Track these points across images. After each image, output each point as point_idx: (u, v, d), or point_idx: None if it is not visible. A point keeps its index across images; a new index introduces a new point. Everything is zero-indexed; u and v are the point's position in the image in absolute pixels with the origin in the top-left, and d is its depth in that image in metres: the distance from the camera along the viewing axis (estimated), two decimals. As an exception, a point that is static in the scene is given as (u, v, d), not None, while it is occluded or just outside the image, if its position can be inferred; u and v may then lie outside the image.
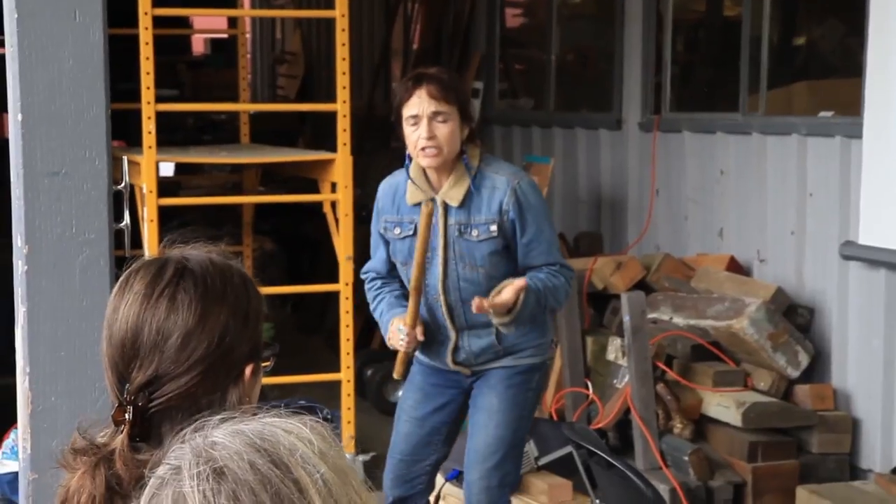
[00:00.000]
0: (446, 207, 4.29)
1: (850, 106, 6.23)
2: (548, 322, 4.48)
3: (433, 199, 4.27)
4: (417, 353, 4.50)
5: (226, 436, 1.27)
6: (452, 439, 4.58)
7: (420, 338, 4.32)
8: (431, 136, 4.23)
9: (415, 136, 4.24)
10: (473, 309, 4.18)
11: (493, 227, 4.24)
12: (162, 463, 1.29)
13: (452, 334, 4.37)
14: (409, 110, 4.25)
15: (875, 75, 5.84)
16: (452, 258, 4.29)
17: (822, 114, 6.57)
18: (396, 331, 4.33)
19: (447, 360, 4.41)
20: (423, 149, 4.23)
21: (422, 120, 4.23)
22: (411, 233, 4.34)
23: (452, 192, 4.28)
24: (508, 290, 4.16)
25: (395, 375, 4.59)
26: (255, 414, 1.33)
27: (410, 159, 4.31)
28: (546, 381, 4.56)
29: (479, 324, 4.32)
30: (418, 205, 4.31)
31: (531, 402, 4.44)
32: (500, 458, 4.36)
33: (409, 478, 4.50)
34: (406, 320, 4.30)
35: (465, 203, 4.27)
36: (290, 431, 1.29)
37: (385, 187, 4.43)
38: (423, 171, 4.32)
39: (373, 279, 4.51)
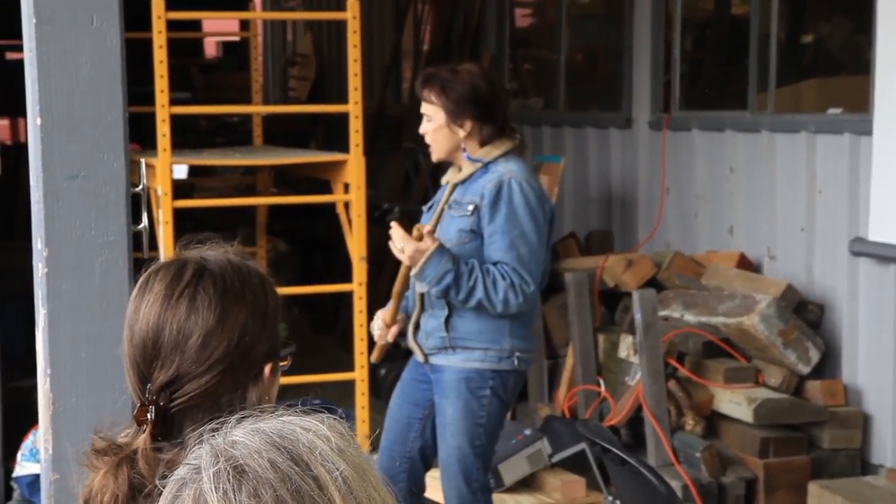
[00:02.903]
0: (454, 186, 4.51)
1: (859, 102, 6.24)
2: (504, 331, 4.39)
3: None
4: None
5: (245, 434, 1.28)
6: (432, 436, 4.56)
7: (390, 339, 4.60)
8: (423, 133, 4.54)
9: None
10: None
11: (471, 207, 4.39)
12: (182, 464, 1.29)
13: (417, 310, 4.53)
14: None
15: (883, 72, 5.86)
16: (438, 234, 4.42)
17: (831, 111, 6.58)
18: (375, 320, 4.64)
19: (409, 334, 4.56)
20: None
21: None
22: (429, 207, 4.63)
23: (461, 174, 4.51)
24: (426, 240, 4.30)
25: (372, 359, 4.93)
26: (273, 413, 1.33)
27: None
28: (512, 391, 4.51)
29: (438, 305, 4.43)
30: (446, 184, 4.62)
31: (488, 409, 4.39)
32: (461, 467, 4.41)
33: (390, 473, 4.53)
34: (385, 317, 4.58)
35: (466, 183, 4.46)
36: (309, 429, 1.29)
37: None
38: None
39: None
